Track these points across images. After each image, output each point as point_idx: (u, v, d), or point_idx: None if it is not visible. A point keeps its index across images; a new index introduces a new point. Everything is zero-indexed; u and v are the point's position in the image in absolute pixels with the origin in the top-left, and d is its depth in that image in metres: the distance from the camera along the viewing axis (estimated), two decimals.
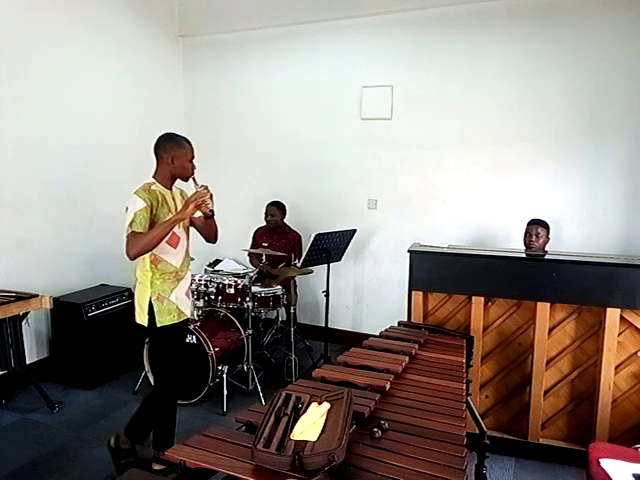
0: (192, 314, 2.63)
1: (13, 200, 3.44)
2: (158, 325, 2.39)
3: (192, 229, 2.59)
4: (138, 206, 2.24)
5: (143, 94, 4.43)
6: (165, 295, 2.40)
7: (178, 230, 2.41)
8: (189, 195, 2.37)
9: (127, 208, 2.26)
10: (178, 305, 2.46)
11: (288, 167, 4.58)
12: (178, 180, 2.49)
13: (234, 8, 4.49)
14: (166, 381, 2.49)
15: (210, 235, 2.60)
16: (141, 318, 2.43)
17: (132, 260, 2.27)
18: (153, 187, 2.36)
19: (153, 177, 2.42)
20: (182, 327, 2.57)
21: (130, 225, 2.22)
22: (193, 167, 2.44)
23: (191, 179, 2.42)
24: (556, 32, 3.59)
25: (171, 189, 2.46)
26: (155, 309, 2.38)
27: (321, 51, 4.33)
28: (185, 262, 2.50)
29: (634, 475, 1.81)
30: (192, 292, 3.47)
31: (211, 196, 2.33)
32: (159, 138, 2.43)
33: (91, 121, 3.96)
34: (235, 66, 4.67)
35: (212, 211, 2.37)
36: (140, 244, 2.21)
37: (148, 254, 2.33)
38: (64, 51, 3.72)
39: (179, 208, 2.41)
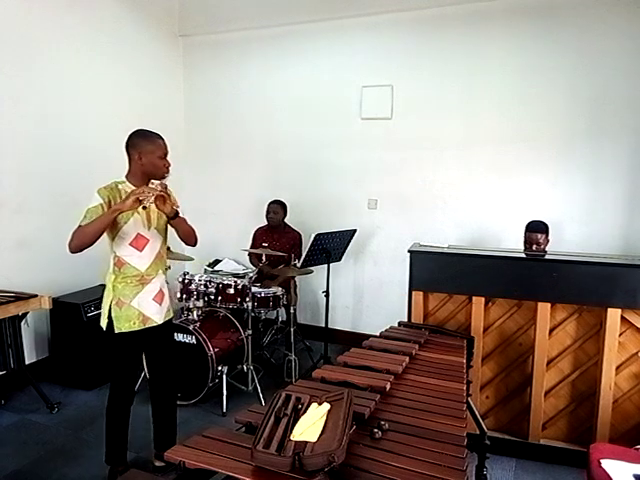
0: (167, 318, 2.49)
1: (13, 200, 3.43)
2: (116, 331, 2.30)
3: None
4: (92, 203, 2.19)
5: (143, 94, 4.43)
6: (125, 300, 2.31)
7: (147, 232, 2.32)
8: (170, 193, 2.27)
9: None
10: (142, 311, 2.35)
11: (288, 167, 4.57)
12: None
13: (234, 8, 4.49)
14: (115, 388, 2.43)
15: (184, 237, 2.46)
16: (102, 322, 2.34)
17: (72, 253, 2.17)
18: (120, 186, 2.27)
19: (125, 176, 2.32)
20: (151, 333, 2.42)
21: (81, 221, 2.17)
22: (167, 165, 2.32)
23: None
24: (556, 32, 3.59)
25: None
26: (113, 314, 2.30)
27: (321, 51, 4.33)
28: (154, 266, 2.37)
29: (635, 476, 1.81)
30: (191, 292, 3.48)
31: (169, 196, 2.21)
32: (130, 134, 2.35)
33: (91, 121, 3.95)
34: (235, 66, 4.66)
35: (177, 211, 2.27)
36: (78, 236, 2.14)
37: (112, 256, 2.29)
38: (64, 51, 3.72)
39: (153, 210, 2.30)
